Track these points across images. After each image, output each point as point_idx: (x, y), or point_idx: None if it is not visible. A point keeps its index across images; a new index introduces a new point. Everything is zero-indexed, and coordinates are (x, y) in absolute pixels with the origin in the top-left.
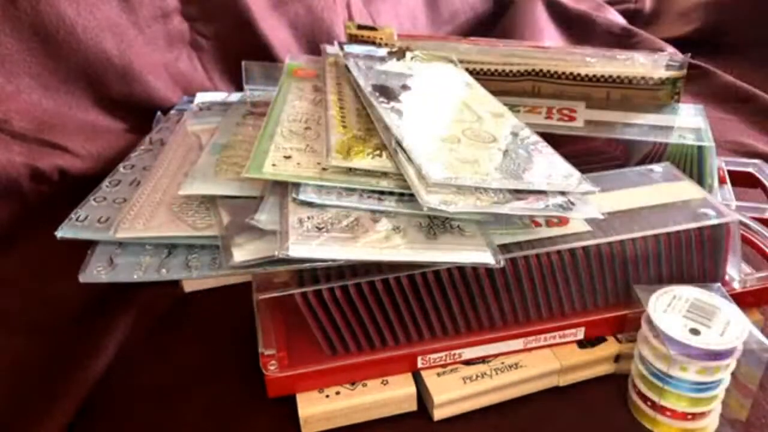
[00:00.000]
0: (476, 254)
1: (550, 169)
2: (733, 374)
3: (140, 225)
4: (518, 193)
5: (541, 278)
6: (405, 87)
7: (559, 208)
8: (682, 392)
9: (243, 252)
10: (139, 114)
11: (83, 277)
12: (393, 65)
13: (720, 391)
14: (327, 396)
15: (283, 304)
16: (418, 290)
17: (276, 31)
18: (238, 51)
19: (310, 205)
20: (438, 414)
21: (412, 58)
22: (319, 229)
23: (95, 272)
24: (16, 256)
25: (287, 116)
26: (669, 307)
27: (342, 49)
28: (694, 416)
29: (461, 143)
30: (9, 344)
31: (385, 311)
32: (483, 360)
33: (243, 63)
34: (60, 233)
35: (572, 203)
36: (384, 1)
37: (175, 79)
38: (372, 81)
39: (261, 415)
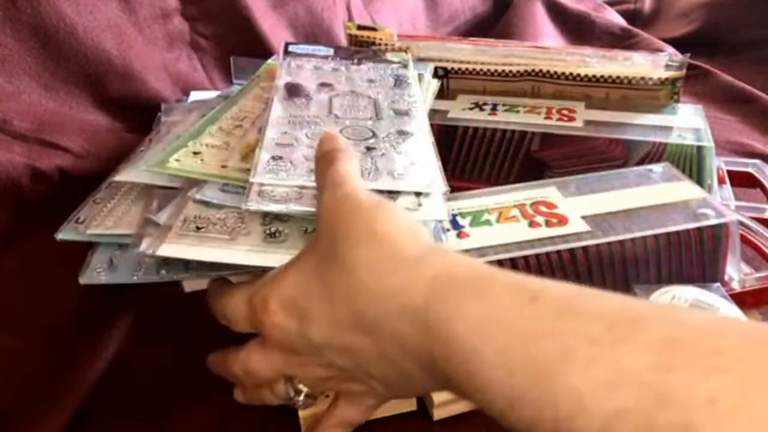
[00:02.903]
0: None
1: (410, 168)
2: None
3: (110, 222)
4: None
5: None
6: (325, 85)
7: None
8: None
9: (149, 243)
10: (139, 114)
11: (83, 279)
12: (335, 64)
13: None
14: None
15: None
16: None
17: (276, 31)
18: (238, 51)
19: (206, 204)
20: (438, 414)
21: (356, 61)
22: (198, 228)
23: (95, 273)
24: (16, 256)
25: (231, 113)
26: None
27: (286, 49)
28: None
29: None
30: (9, 344)
31: None
32: None
33: (231, 58)
34: (60, 236)
35: (420, 205)
36: (384, 1)
37: (175, 79)
38: (290, 80)
39: (261, 415)
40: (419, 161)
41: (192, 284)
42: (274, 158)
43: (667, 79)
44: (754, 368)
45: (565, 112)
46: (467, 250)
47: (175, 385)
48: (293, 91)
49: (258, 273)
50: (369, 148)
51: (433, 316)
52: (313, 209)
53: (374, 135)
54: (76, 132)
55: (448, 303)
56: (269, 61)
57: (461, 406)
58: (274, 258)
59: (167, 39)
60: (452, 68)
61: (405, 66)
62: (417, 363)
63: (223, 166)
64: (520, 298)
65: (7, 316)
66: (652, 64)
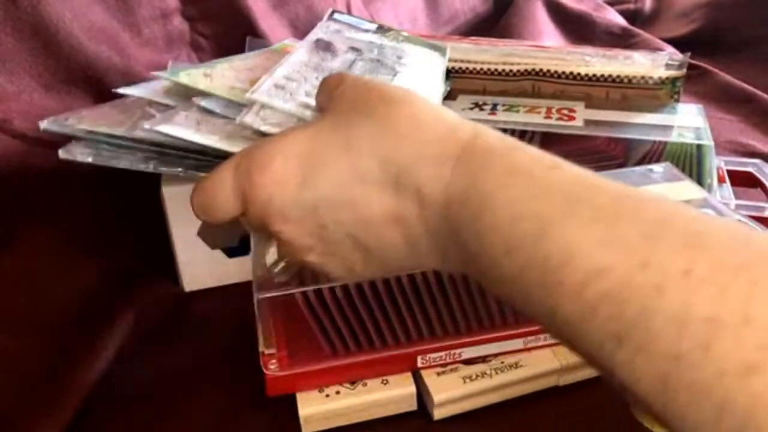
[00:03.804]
0: None
1: None
2: None
3: (101, 122)
4: None
5: None
6: (355, 49)
7: None
8: None
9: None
10: None
11: (63, 153)
12: (373, 37)
13: None
14: (327, 395)
15: (284, 303)
16: (418, 289)
17: (276, 31)
18: (238, 51)
19: (210, 113)
20: (438, 413)
21: (401, 40)
22: (198, 123)
23: (78, 153)
24: (15, 256)
25: (240, 62)
26: None
27: (331, 15)
28: None
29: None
30: (9, 344)
31: (385, 310)
32: (483, 359)
33: (248, 39)
34: (43, 125)
35: None
36: (384, 1)
37: None
38: (325, 37)
39: (261, 415)
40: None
41: (192, 284)
42: (276, 86)
43: (667, 78)
44: (732, 251)
45: (565, 111)
46: None
47: (175, 385)
48: (322, 45)
49: None
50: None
51: (461, 167)
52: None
53: None
54: None
55: (479, 157)
56: (286, 41)
57: (461, 406)
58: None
59: (167, 39)
60: (453, 67)
61: (443, 53)
62: (423, 222)
63: (231, 88)
64: (542, 163)
65: (7, 316)
66: (652, 63)
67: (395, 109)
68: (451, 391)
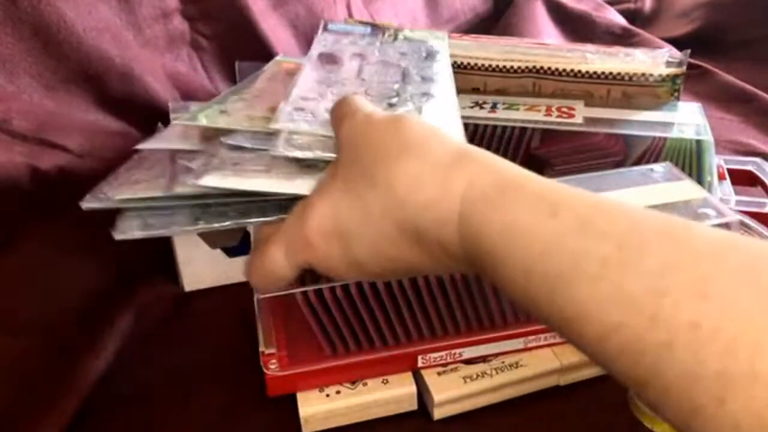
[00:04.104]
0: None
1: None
2: None
3: (139, 188)
4: None
5: None
6: (358, 55)
7: None
8: None
9: (184, 186)
10: (139, 113)
11: (118, 234)
12: (371, 39)
13: None
14: (327, 395)
15: (284, 303)
16: (419, 289)
17: (276, 31)
18: (238, 51)
19: (240, 149)
20: (438, 413)
21: (399, 36)
22: (235, 164)
23: (129, 229)
24: (16, 256)
25: (247, 91)
26: None
27: (325, 26)
28: None
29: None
30: (9, 344)
31: (386, 310)
32: (483, 359)
33: (237, 64)
34: (85, 204)
35: None
36: (384, 1)
37: (174, 79)
38: (326, 50)
39: (261, 414)
40: (442, 122)
41: (192, 284)
42: (296, 109)
43: (667, 75)
44: (737, 297)
45: (564, 109)
46: None
47: (175, 385)
48: (326, 58)
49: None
50: (391, 105)
51: (465, 227)
52: (332, 155)
53: (398, 95)
54: (76, 132)
55: (477, 215)
56: (277, 58)
57: (462, 406)
58: (312, 183)
59: (167, 39)
60: (453, 62)
61: (442, 39)
62: (454, 259)
63: (250, 118)
64: (541, 212)
65: (7, 316)
66: (652, 60)
67: (392, 170)
68: (452, 390)
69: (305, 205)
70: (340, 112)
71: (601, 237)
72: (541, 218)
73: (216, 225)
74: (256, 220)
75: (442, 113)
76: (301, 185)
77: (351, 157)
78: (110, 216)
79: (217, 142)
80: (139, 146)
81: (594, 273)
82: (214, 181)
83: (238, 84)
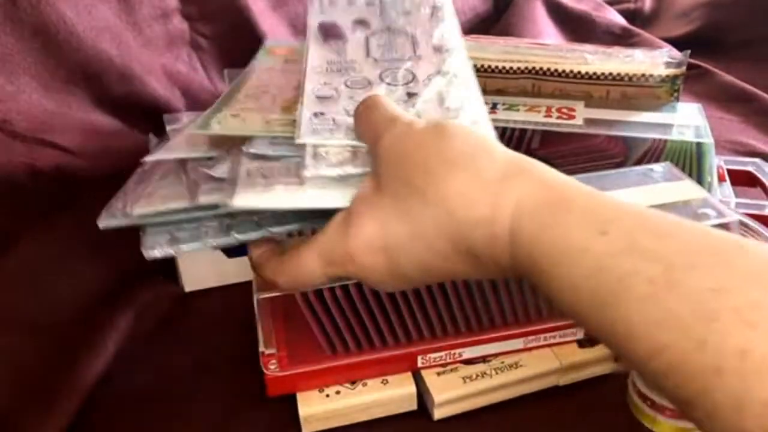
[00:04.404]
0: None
1: (450, 112)
2: None
3: (157, 201)
4: None
5: None
6: (360, 23)
7: None
8: None
9: (208, 196)
10: (139, 114)
11: (149, 252)
12: None
13: None
14: (327, 395)
15: (283, 303)
16: (419, 289)
17: (276, 31)
18: (238, 51)
19: (263, 158)
20: (438, 413)
21: None
22: (265, 176)
23: (159, 246)
24: (16, 255)
25: (249, 86)
26: None
27: None
28: None
29: (371, 89)
30: (9, 344)
31: (385, 310)
32: (483, 359)
33: (225, 71)
34: (103, 223)
35: None
36: None
37: (174, 79)
38: (325, 18)
39: (261, 414)
40: (463, 107)
41: (192, 284)
42: (315, 114)
43: (667, 76)
44: None
45: (564, 110)
46: None
47: (175, 385)
48: (328, 31)
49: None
50: (410, 94)
51: (516, 244)
52: (368, 168)
53: (414, 77)
54: (76, 132)
55: (527, 233)
56: (266, 44)
57: (462, 406)
58: (348, 194)
59: (167, 39)
60: None
61: None
62: (504, 271)
63: (267, 122)
64: (591, 230)
65: (7, 315)
66: (652, 61)
67: (441, 188)
68: (451, 391)
69: (348, 218)
70: (371, 122)
71: (649, 257)
72: (591, 236)
73: (253, 235)
74: (291, 227)
75: (463, 96)
76: (338, 197)
77: (396, 173)
78: None
79: (234, 146)
80: (147, 159)
81: (642, 293)
82: (248, 200)
83: (236, 80)
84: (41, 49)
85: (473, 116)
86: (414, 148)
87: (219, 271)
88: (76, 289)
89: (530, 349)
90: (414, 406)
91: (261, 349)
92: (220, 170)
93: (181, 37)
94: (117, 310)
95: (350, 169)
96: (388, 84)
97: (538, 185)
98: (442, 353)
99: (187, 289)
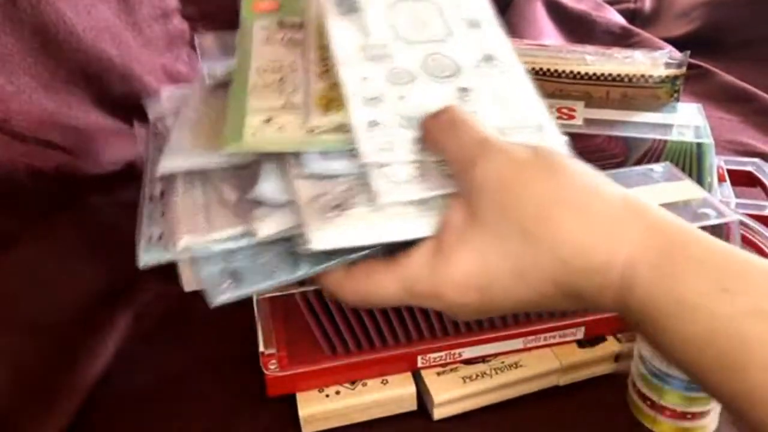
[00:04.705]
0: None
1: (511, 110)
2: None
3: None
4: None
5: None
6: None
7: None
8: (682, 392)
9: (268, 225)
10: (139, 114)
11: (215, 300)
12: None
13: None
14: (327, 395)
15: (284, 303)
16: None
17: None
18: None
19: (318, 177)
20: (438, 413)
21: None
22: (336, 206)
23: (220, 292)
24: (16, 256)
25: (258, 67)
26: None
27: None
28: (694, 416)
29: (415, 84)
30: (9, 344)
31: (385, 310)
32: (483, 359)
33: (196, 38)
34: (144, 260)
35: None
36: None
37: (174, 79)
38: None
39: (261, 415)
40: (526, 108)
41: (192, 284)
42: (370, 124)
43: (667, 76)
44: None
45: (564, 110)
46: None
47: (175, 385)
48: (341, 2)
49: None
50: (462, 89)
51: (627, 291)
52: (444, 190)
53: (459, 68)
54: (76, 132)
55: (642, 283)
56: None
57: (461, 406)
58: (431, 222)
59: (167, 39)
60: None
61: None
62: (605, 310)
63: (310, 130)
64: (711, 285)
65: (7, 315)
66: (652, 62)
67: (552, 231)
68: (451, 391)
69: (439, 250)
70: (460, 143)
71: None
72: (712, 293)
73: (328, 265)
74: (367, 252)
75: (514, 85)
76: (423, 226)
77: (497, 206)
78: (111, 216)
79: (282, 166)
80: (159, 172)
81: (765, 359)
82: (329, 241)
83: (235, 66)
84: (41, 49)
85: (538, 119)
86: (521, 184)
87: None
88: (76, 289)
89: (530, 349)
90: (414, 406)
91: (261, 349)
92: (268, 190)
93: (181, 37)
94: (117, 310)
95: (427, 192)
96: (434, 77)
97: (653, 230)
98: (442, 353)
99: (187, 289)
